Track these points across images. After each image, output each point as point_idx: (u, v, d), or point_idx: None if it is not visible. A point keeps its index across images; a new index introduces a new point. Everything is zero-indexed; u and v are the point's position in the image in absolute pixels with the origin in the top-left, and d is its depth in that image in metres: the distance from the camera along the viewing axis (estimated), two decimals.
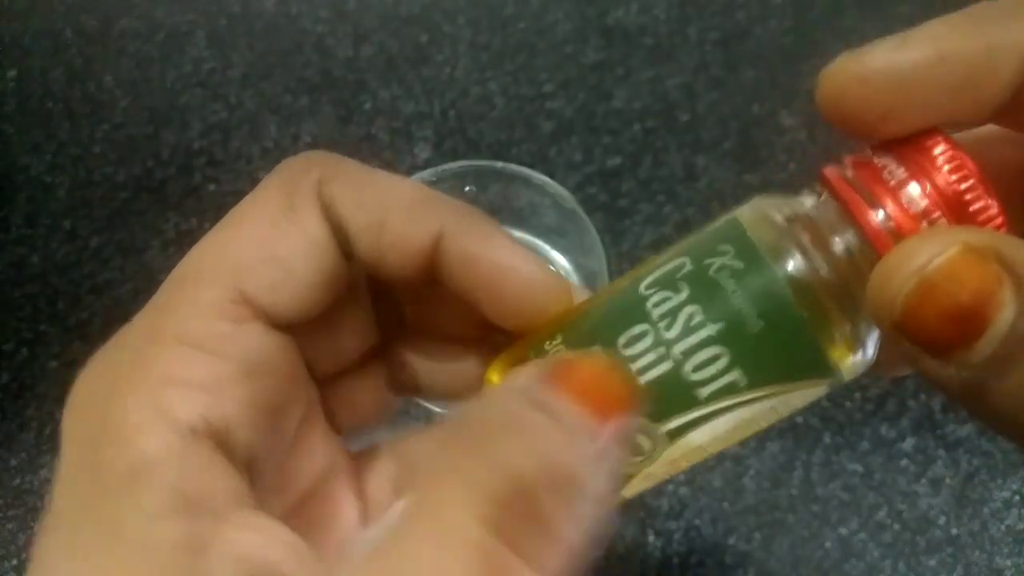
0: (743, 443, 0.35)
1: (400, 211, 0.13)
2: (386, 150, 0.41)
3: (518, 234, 0.27)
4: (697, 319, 0.12)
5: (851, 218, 0.11)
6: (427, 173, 0.24)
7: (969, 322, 0.10)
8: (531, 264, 0.13)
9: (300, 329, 0.13)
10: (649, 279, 0.12)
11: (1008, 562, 0.33)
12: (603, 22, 0.44)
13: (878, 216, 0.11)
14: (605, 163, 0.40)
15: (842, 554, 0.33)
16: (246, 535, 0.10)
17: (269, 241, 0.13)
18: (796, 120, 0.42)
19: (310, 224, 0.13)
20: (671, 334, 0.12)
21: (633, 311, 0.12)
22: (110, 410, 0.11)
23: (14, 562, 0.32)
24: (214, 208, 0.39)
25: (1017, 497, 0.34)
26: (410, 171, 0.37)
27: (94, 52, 0.43)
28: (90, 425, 0.11)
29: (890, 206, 0.11)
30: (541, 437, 0.10)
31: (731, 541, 0.33)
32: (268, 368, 0.12)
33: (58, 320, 0.37)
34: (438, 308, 0.14)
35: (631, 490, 0.13)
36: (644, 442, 0.12)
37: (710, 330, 0.11)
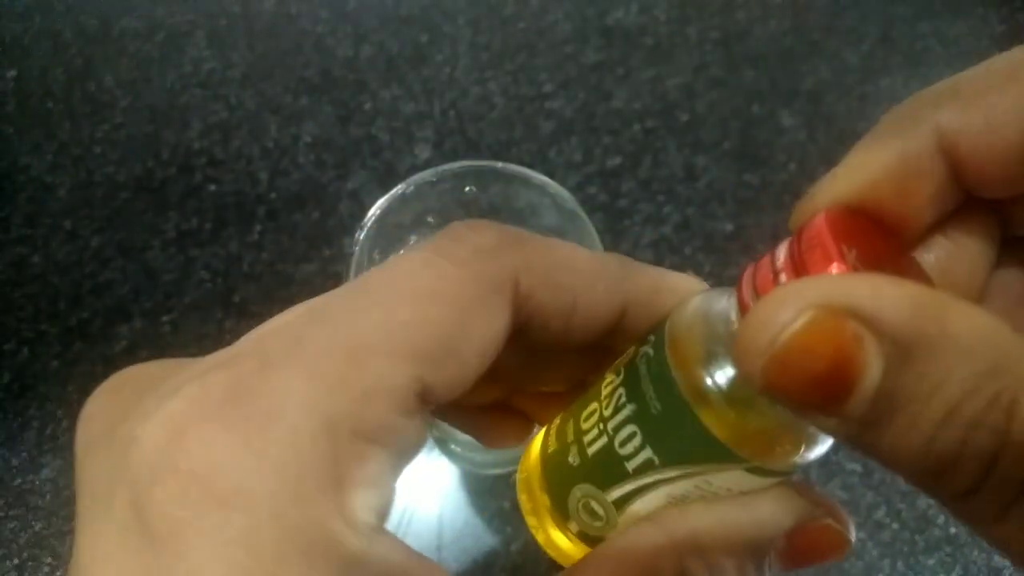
0: None
1: (590, 292, 0.13)
2: (386, 150, 0.41)
3: None
4: (623, 399, 0.13)
5: (740, 307, 0.12)
6: (427, 173, 0.24)
7: (832, 388, 0.10)
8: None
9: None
10: (613, 365, 0.13)
11: (1007, 561, 0.33)
12: (603, 22, 0.44)
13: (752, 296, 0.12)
14: (605, 163, 0.40)
15: None
16: None
17: (457, 333, 0.12)
18: (796, 120, 0.42)
19: (502, 321, 0.12)
20: (607, 412, 0.13)
21: (593, 393, 0.13)
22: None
23: (15, 561, 0.32)
24: (214, 208, 0.39)
25: None
26: (410, 171, 0.37)
27: (94, 52, 0.43)
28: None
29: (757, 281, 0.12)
30: None
31: None
32: (415, 448, 0.12)
33: (59, 320, 0.37)
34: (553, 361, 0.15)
35: None
36: (597, 507, 0.13)
37: (628, 410, 0.12)
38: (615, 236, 0.39)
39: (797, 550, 0.12)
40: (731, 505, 0.12)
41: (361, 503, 0.11)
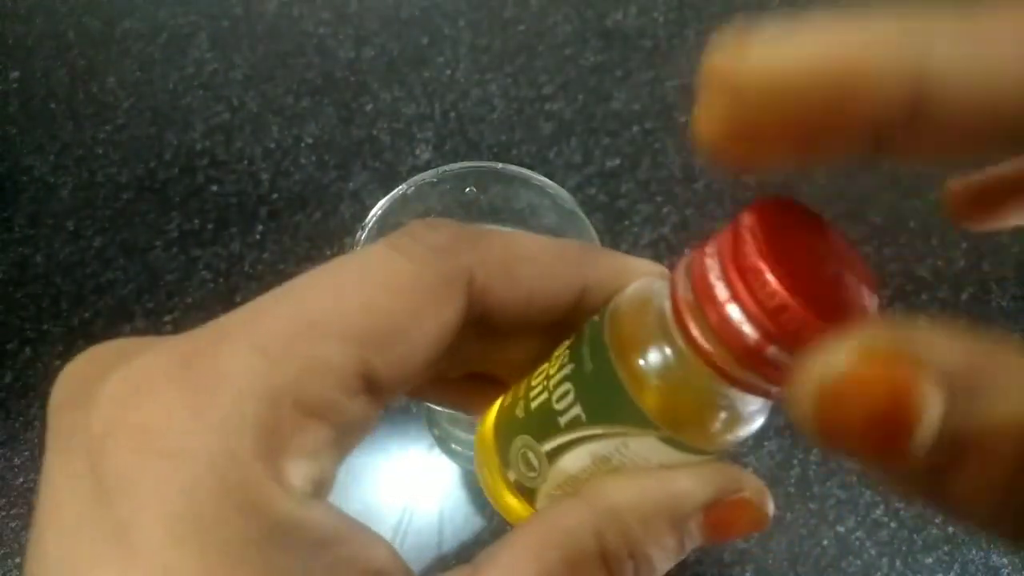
0: (742, 442, 0.35)
1: (548, 280, 0.14)
2: (387, 151, 0.41)
3: None
4: (565, 360, 0.14)
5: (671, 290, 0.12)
6: (428, 174, 0.25)
7: (889, 428, 0.09)
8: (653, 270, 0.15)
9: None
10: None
11: (1004, 560, 0.33)
12: (602, 24, 0.45)
13: (684, 291, 0.12)
14: (604, 164, 0.41)
15: (839, 552, 0.33)
16: None
17: (405, 321, 0.12)
18: None
19: (452, 313, 0.13)
20: (552, 370, 0.14)
21: (549, 357, 0.15)
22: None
23: (17, 560, 0.32)
24: (216, 209, 0.39)
25: None
26: (411, 172, 0.37)
27: (97, 53, 0.44)
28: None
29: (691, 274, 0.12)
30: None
31: None
32: (359, 429, 0.13)
33: (61, 320, 0.37)
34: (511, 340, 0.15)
35: (538, 504, 0.14)
36: (532, 458, 0.14)
37: (567, 369, 0.13)
38: (614, 236, 0.39)
39: (715, 524, 0.13)
40: (650, 478, 0.13)
41: (296, 470, 0.11)
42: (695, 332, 0.12)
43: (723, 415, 0.12)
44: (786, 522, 0.33)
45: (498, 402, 0.16)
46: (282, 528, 0.11)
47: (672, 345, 0.12)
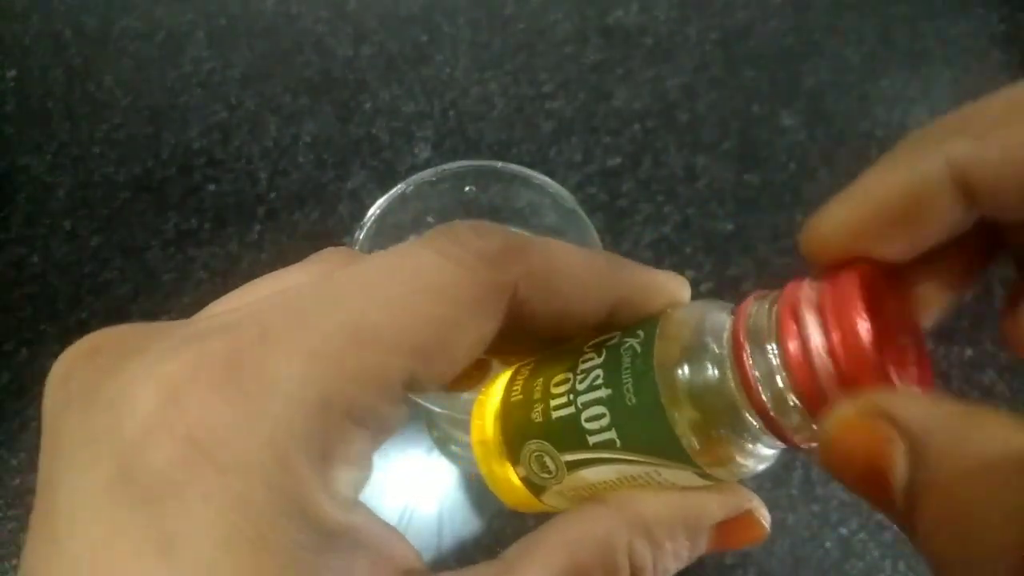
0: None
1: (583, 297, 0.14)
2: (386, 150, 0.41)
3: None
4: (599, 381, 0.14)
5: (735, 347, 0.13)
6: (427, 173, 0.24)
7: (872, 481, 0.11)
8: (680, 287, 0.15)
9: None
10: (593, 341, 0.15)
11: None
12: (603, 22, 0.44)
13: (756, 358, 0.13)
14: (605, 163, 0.40)
15: (842, 554, 0.33)
16: None
17: (453, 335, 0.12)
18: (796, 120, 0.42)
19: (494, 325, 0.13)
20: (580, 387, 0.14)
21: (568, 361, 0.14)
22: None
23: (14, 562, 0.32)
24: (214, 208, 0.39)
25: None
26: (410, 171, 0.37)
27: (94, 52, 0.43)
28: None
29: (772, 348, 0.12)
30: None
31: None
32: (393, 432, 0.13)
33: (58, 320, 0.37)
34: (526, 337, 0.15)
35: (547, 500, 0.15)
36: (549, 463, 0.14)
37: (602, 392, 0.13)
38: (615, 236, 0.39)
39: (723, 535, 0.15)
40: (677, 495, 0.14)
41: (344, 478, 0.12)
42: (757, 377, 0.12)
43: (757, 454, 0.13)
44: (789, 524, 0.33)
45: (499, 385, 0.16)
46: (333, 535, 0.11)
47: (731, 403, 0.13)
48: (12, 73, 0.43)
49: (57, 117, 0.42)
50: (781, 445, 0.13)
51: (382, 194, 0.24)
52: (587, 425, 0.13)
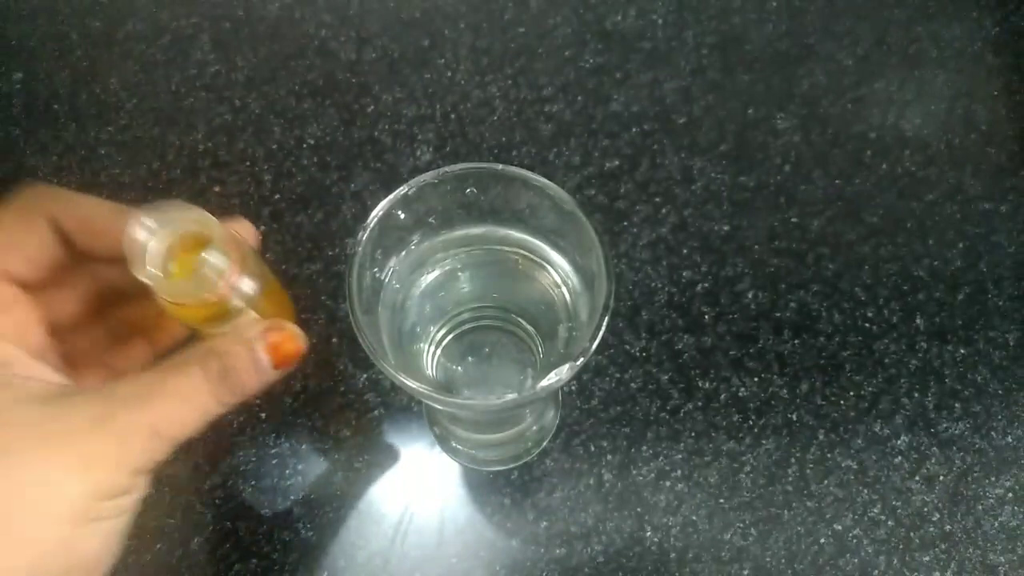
0: (739, 441, 0.35)
1: (100, 218, 0.22)
2: (388, 152, 0.41)
3: (518, 234, 0.27)
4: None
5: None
6: (429, 175, 0.25)
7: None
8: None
9: (33, 287, 0.21)
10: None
11: (1002, 559, 0.33)
12: (601, 26, 0.45)
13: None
14: (603, 165, 0.41)
15: (837, 550, 0.33)
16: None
17: (18, 237, 0.20)
18: (791, 123, 0.42)
19: (42, 230, 0.21)
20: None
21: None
22: None
23: None
24: (219, 209, 0.40)
25: (1011, 494, 0.34)
26: (412, 173, 0.37)
27: (100, 55, 0.44)
28: None
29: None
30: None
31: (727, 537, 0.33)
32: (10, 303, 0.20)
33: None
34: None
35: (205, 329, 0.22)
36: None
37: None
38: (614, 237, 0.39)
39: (272, 346, 0.21)
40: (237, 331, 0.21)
41: None
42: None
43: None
44: (783, 520, 0.34)
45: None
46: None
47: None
48: (18, 75, 0.43)
49: (63, 119, 0.42)
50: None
51: (385, 195, 0.25)
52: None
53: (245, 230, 0.24)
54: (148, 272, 0.19)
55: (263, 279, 0.23)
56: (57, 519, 0.17)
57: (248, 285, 0.21)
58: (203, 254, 0.20)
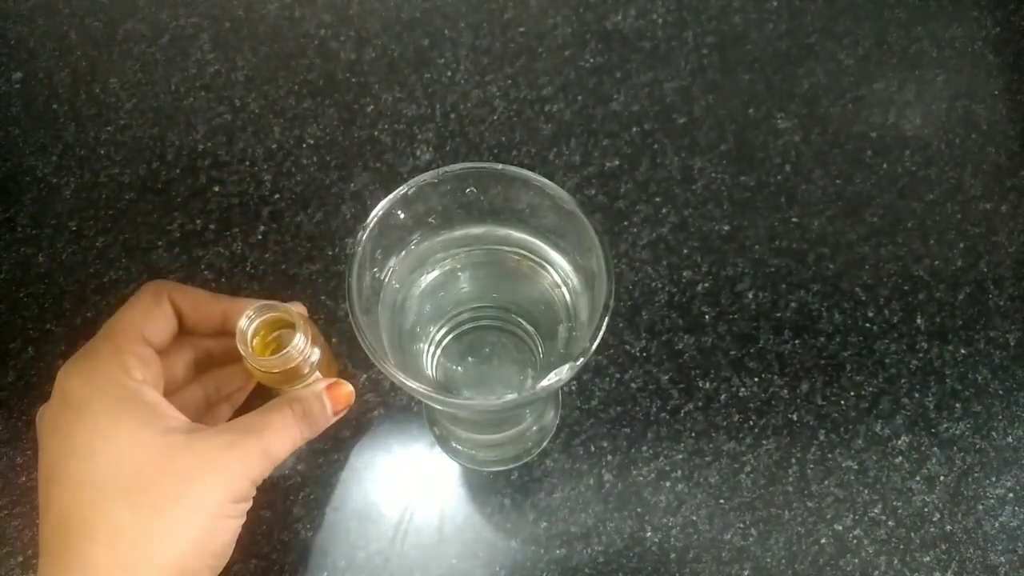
0: (740, 441, 0.35)
1: (204, 302, 0.29)
2: (388, 152, 0.41)
3: (518, 234, 0.27)
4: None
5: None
6: (428, 175, 0.25)
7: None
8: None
9: (159, 352, 0.28)
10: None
11: (1002, 559, 0.33)
12: (601, 26, 0.45)
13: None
14: (604, 165, 0.41)
15: (837, 550, 0.33)
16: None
17: (153, 313, 0.27)
18: (791, 122, 0.42)
19: (167, 309, 0.28)
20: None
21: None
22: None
23: (20, 559, 0.32)
24: (218, 209, 0.40)
25: (1011, 494, 0.34)
26: (412, 173, 0.37)
27: (99, 55, 0.44)
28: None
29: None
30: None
31: (727, 537, 0.33)
32: (151, 360, 0.27)
33: (64, 319, 0.37)
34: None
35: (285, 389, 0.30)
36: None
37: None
38: (614, 237, 0.39)
39: (332, 394, 0.29)
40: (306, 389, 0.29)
41: (141, 366, 0.27)
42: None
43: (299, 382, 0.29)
44: (784, 520, 0.34)
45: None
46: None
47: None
48: (18, 75, 0.43)
49: (63, 119, 0.42)
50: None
51: (385, 195, 0.25)
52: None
53: (298, 307, 0.30)
54: (248, 350, 0.27)
55: (323, 348, 0.29)
56: (207, 513, 0.24)
57: (316, 355, 0.28)
58: (289, 339, 0.27)
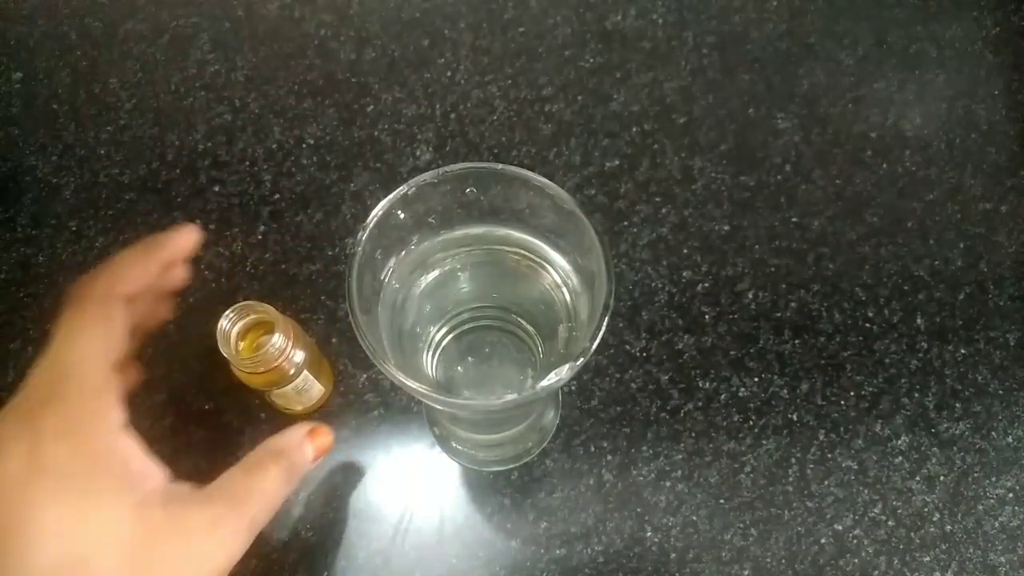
0: (740, 441, 0.35)
1: (138, 279, 0.27)
2: (388, 152, 0.41)
3: (518, 234, 0.27)
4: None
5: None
6: (428, 175, 0.25)
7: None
8: None
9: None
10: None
11: (1002, 559, 0.33)
12: (601, 26, 0.45)
13: None
14: (604, 165, 0.41)
15: (837, 550, 0.33)
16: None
17: (114, 340, 0.25)
18: (791, 122, 0.42)
19: (122, 319, 0.25)
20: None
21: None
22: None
23: None
24: (218, 209, 0.40)
25: (1011, 494, 0.34)
26: (412, 173, 0.37)
27: (99, 55, 0.44)
28: None
29: None
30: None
31: (727, 537, 0.33)
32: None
33: None
34: None
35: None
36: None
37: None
38: (614, 237, 0.39)
39: (313, 437, 0.27)
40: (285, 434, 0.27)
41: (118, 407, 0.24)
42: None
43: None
44: (784, 520, 0.34)
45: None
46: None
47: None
48: (18, 75, 0.43)
49: (63, 119, 0.42)
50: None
51: (385, 195, 0.25)
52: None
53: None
54: (230, 351, 0.27)
55: (308, 350, 0.29)
56: None
57: (299, 356, 0.29)
58: (268, 337, 0.27)
